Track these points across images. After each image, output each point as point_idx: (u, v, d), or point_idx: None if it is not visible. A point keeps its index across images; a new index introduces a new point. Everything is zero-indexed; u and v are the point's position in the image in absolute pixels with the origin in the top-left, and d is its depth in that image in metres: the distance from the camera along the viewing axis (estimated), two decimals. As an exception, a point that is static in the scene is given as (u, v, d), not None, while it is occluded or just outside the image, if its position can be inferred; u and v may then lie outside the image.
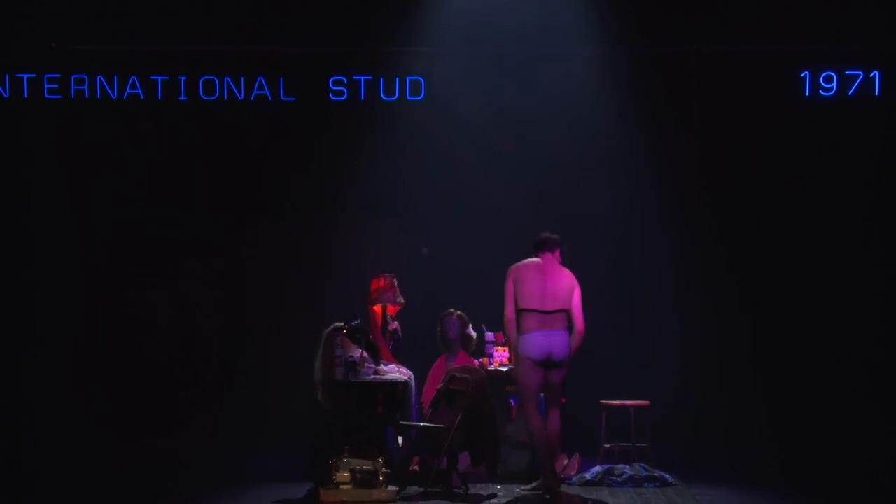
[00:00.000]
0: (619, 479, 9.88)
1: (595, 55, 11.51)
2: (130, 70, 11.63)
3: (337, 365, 9.61)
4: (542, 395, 9.62)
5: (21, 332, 11.64)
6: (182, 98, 11.72)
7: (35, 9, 11.46)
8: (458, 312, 10.63)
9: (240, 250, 11.96)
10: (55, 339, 11.67)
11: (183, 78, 11.69)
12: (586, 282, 10.89)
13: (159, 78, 11.67)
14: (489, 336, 10.72)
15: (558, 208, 11.71)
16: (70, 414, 11.51)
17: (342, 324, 9.71)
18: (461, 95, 11.61)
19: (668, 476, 9.97)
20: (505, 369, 10.48)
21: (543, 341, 9.31)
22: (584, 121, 11.54)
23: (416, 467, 9.84)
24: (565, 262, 9.58)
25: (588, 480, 9.94)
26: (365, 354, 9.67)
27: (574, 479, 10.01)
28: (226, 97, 11.70)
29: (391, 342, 10.51)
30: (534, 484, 9.57)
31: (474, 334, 10.65)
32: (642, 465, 10.09)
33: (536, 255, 9.57)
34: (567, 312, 9.37)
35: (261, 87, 11.70)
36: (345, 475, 8.94)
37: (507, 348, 10.57)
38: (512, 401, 10.40)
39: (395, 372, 9.91)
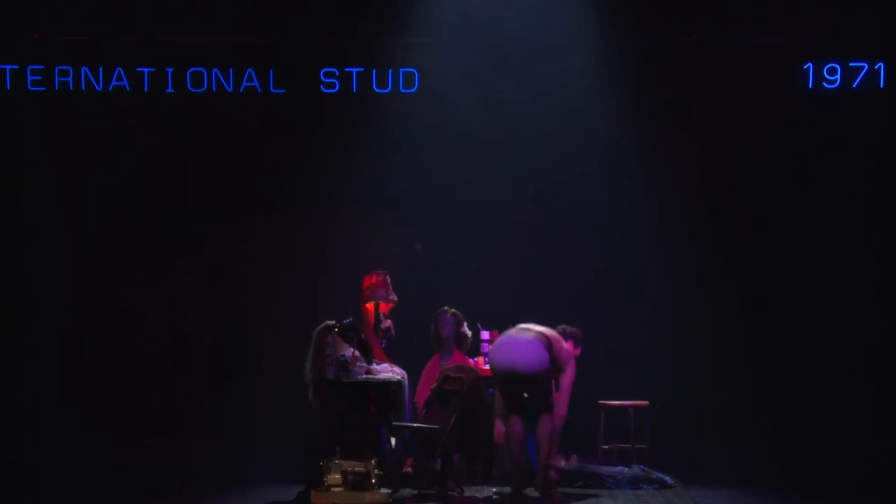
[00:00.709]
0: (618, 481, 9.93)
1: (592, 48, 11.48)
2: (116, 61, 11.60)
3: (328, 364, 9.62)
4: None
5: (9, 331, 11.62)
6: (169, 90, 11.69)
7: (16, -2, 11.48)
8: (453, 310, 10.64)
9: (230, 246, 11.97)
10: (44, 338, 11.67)
11: (170, 70, 11.66)
12: (585, 281, 10.98)
13: (146, 70, 11.65)
14: (484, 335, 10.76)
15: (555, 205, 11.77)
16: (61, 413, 11.51)
17: (333, 322, 9.73)
18: (456, 88, 11.61)
19: (667, 478, 10.02)
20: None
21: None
22: (581, 115, 11.53)
23: (409, 469, 9.86)
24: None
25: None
26: (357, 353, 9.68)
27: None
28: (214, 89, 11.66)
29: (384, 341, 10.55)
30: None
31: (469, 333, 10.64)
32: (641, 466, 10.13)
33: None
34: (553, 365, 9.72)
35: (250, 79, 11.67)
36: (336, 477, 8.98)
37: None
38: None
39: (388, 371, 9.92)
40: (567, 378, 9.74)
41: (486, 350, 10.64)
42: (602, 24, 11.42)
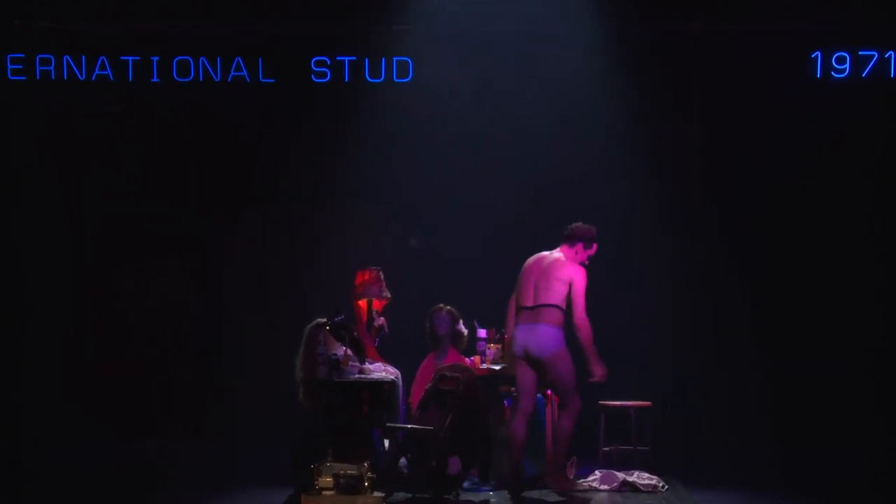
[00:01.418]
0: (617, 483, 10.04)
1: (592, 37, 11.48)
2: (99, 50, 11.57)
3: (319, 363, 9.65)
4: (540, 396, 10.00)
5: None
6: (154, 80, 11.67)
7: (-5, -16, 11.45)
8: (448, 307, 10.64)
9: (217, 241, 11.96)
10: (24, 337, 11.65)
11: (155, 59, 11.64)
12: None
13: (130, 58, 11.62)
14: (481, 332, 10.74)
15: (553, 199, 11.74)
16: (43, 413, 11.49)
17: (325, 320, 9.74)
18: (451, 79, 11.59)
19: (668, 480, 10.10)
20: (498, 368, 10.48)
21: (521, 335, 9.69)
22: (580, 105, 11.54)
23: (403, 472, 9.82)
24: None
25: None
26: (349, 352, 9.68)
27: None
28: (201, 79, 11.64)
29: (377, 339, 10.53)
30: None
31: (465, 331, 10.65)
32: (639, 472, 10.22)
33: (557, 247, 9.84)
34: (559, 308, 9.61)
35: (238, 69, 11.66)
36: (328, 480, 8.95)
37: (500, 346, 10.62)
38: (506, 402, 10.40)
39: (382, 371, 9.93)
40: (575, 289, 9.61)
41: (483, 348, 10.63)
42: (601, 12, 11.41)
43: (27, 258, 11.72)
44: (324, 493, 8.94)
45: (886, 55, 11.36)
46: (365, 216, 11.91)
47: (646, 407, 10.62)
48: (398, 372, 10.08)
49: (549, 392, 10.43)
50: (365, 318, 10.48)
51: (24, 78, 11.62)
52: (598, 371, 9.73)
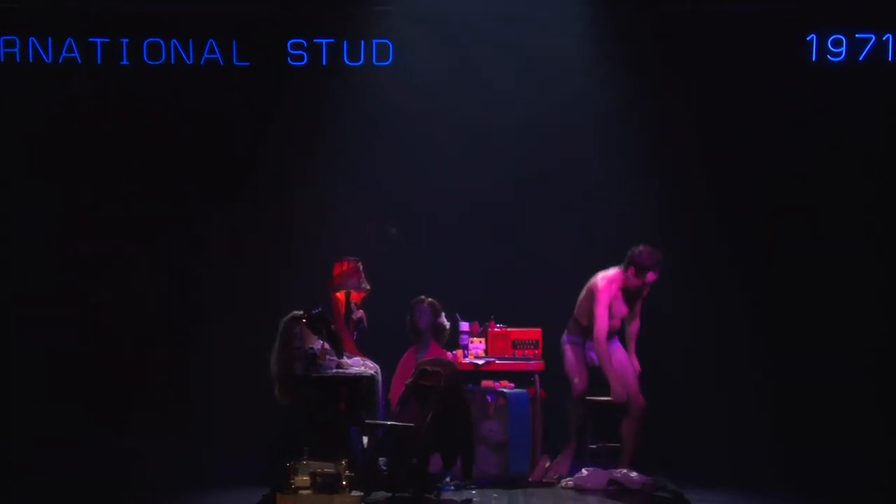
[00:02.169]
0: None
1: (579, 16, 11.48)
2: (66, 31, 11.51)
3: (296, 358, 9.65)
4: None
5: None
6: (124, 63, 11.62)
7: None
8: (430, 300, 10.66)
9: (189, 231, 11.87)
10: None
11: (125, 40, 11.59)
12: (574, 271, 10.95)
13: (98, 40, 11.55)
14: (463, 326, 10.77)
15: (541, 188, 11.76)
16: (9, 414, 11.45)
17: (301, 312, 9.72)
18: (433, 62, 11.56)
19: (659, 479, 10.12)
20: (481, 362, 10.49)
21: None
22: (569, 88, 11.53)
23: (382, 470, 9.82)
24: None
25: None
26: (326, 346, 9.68)
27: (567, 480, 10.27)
28: (173, 62, 11.59)
29: (355, 332, 10.54)
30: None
31: (447, 324, 10.67)
32: (628, 470, 10.20)
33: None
34: (576, 320, 10.57)
35: (211, 51, 11.61)
36: (304, 479, 8.96)
37: (482, 339, 10.70)
38: (489, 397, 10.44)
39: (360, 365, 9.93)
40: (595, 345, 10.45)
41: (465, 342, 10.62)
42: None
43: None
44: (300, 492, 8.95)
45: (884, 38, 11.34)
46: (343, 204, 11.84)
47: (636, 403, 10.63)
48: (377, 366, 10.07)
49: (532, 388, 10.45)
50: (343, 310, 10.48)
51: (-13, 60, 11.59)
52: (614, 393, 10.30)
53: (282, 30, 11.65)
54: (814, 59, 11.45)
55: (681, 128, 11.64)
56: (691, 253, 11.52)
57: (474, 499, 9.69)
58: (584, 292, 10.54)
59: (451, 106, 11.61)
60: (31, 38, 11.54)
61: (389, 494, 9.56)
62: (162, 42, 11.60)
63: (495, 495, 9.83)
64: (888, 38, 11.34)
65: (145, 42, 11.59)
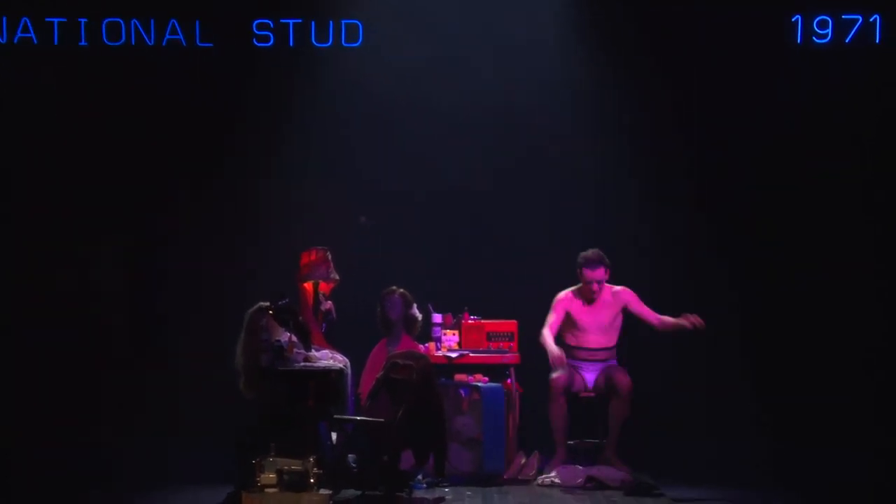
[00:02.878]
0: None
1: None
2: (21, 10, 11.47)
3: (262, 350, 9.60)
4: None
5: None
6: (82, 44, 11.57)
7: None
8: (401, 290, 10.65)
9: (151, 219, 11.84)
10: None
11: (83, 20, 11.54)
12: (551, 261, 10.95)
13: (55, 20, 11.50)
14: (436, 317, 10.77)
15: (520, 174, 11.73)
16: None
17: (268, 303, 9.69)
18: (405, 43, 11.55)
19: (639, 475, 10.16)
20: (454, 355, 10.49)
21: None
22: (547, 69, 11.55)
23: (352, 467, 9.78)
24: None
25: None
26: (294, 338, 9.66)
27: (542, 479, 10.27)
28: (133, 42, 11.55)
29: (324, 324, 10.53)
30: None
31: (419, 315, 10.66)
32: (605, 467, 10.23)
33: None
34: None
35: (174, 32, 11.57)
36: (270, 477, 8.93)
37: (456, 332, 10.71)
38: (462, 392, 10.45)
39: (329, 358, 9.91)
40: None
41: (438, 334, 10.61)
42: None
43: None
44: (266, 490, 8.91)
45: (871, 19, 11.37)
46: (311, 192, 11.81)
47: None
48: (347, 360, 10.06)
49: (507, 382, 10.45)
50: (311, 301, 10.47)
51: (-66, 40, 11.52)
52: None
53: (247, 9, 11.62)
54: (799, 41, 11.47)
55: (662, 112, 11.64)
56: (673, 239, 11.55)
57: (447, 497, 9.70)
58: None
59: (424, 89, 11.61)
60: (-18, 19, 11.52)
61: (359, 493, 9.56)
62: (122, 22, 11.55)
63: (469, 493, 9.86)
64: (875, 19, 11.36)
65: (104, 22, 11.53)
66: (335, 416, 9.71)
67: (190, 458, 10.66)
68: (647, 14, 11.54)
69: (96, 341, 11.69)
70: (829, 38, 11.41)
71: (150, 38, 11.56)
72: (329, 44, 11.64)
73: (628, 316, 10.72)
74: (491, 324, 10.75)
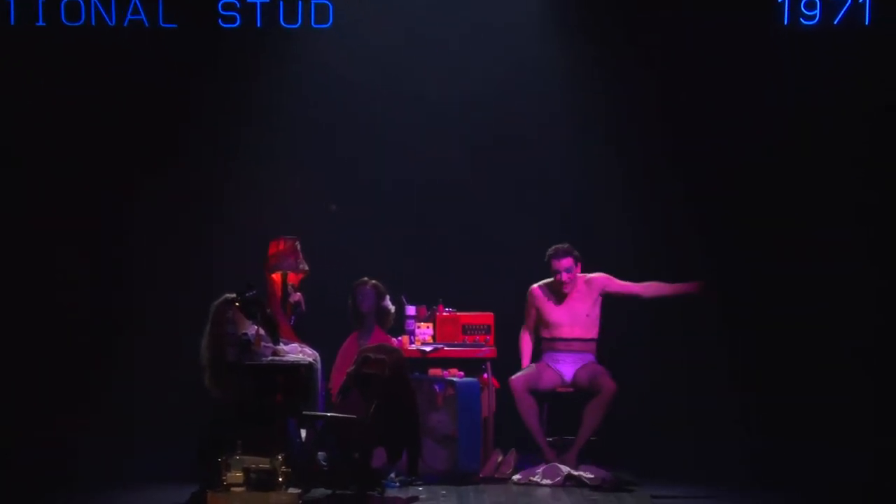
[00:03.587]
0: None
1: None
2: (-24, -11, 11.46)
3: (228, 344, 9.57)
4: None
5: None
6: (40, 24, 11.53)
7: None
8: (373, 282, 10.67)
9: (111, 207, 11.78)
10: None
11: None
12: (528, 251, 10.94)
13: (11, -1, 11.50)
14: (410, 310, 10.77)
15: (497, 161, 11.73)
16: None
17: (234, 295, 9.63)
18: (377, 24, 11.55)
19: (619, 474, 10.17)
20: (428, 349, 10.48)
21: None
22: (525, 51, 11.56)
23: (322, 465, 9.79)
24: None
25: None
26: (261, 331, 9.60)
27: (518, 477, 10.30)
28: (93, 23, 11.51)
29: (293, 317, 10.54)
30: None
31: (392, 308, 10.68)
32: (585, 465, 10.25)
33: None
34: None
35: (136, 12, 11.52)
36: (237, 475, 8.87)
37: (430, 324, 10.69)
38: (437, 387, 10.47)
39: (298, 352, 9.90)
40: None
41: (412, 327, 10.61)
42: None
43: None
44: (233, 489, 8.85)
45: (860, 0, 11.36)
46: (279, 179, 11.81)
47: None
48: (317, 354, 10.05)
49: (483, 376, 10.44)
50: (279, 293, 10.49)
51: None
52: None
53: (213, -11, 11.63)
54: (785, 22, 11.47)
55: (645, 100, 11.65)
56: (655, 228, 11.56)
57: (421, 496, 9.70)
58: None
59: (397, 73, 11.63)
60: (-64, -3, 11.46)
61: (330, 492, 9.55)
62: (81, 2, 11.49)
63: (444, 492, 9.86)
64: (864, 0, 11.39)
65: (63, 2, 11.48)
66: (304, 413, 9.68)
67: (152, 456, 10.63)
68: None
69: (55, 333, 11.63)
70: (816, 19, 11.43)
71: (111, 19, 11.51)
72: (298, 25, 11.61)
73: (611, 306, 10.68)
74: (466, 316, 10.73)
